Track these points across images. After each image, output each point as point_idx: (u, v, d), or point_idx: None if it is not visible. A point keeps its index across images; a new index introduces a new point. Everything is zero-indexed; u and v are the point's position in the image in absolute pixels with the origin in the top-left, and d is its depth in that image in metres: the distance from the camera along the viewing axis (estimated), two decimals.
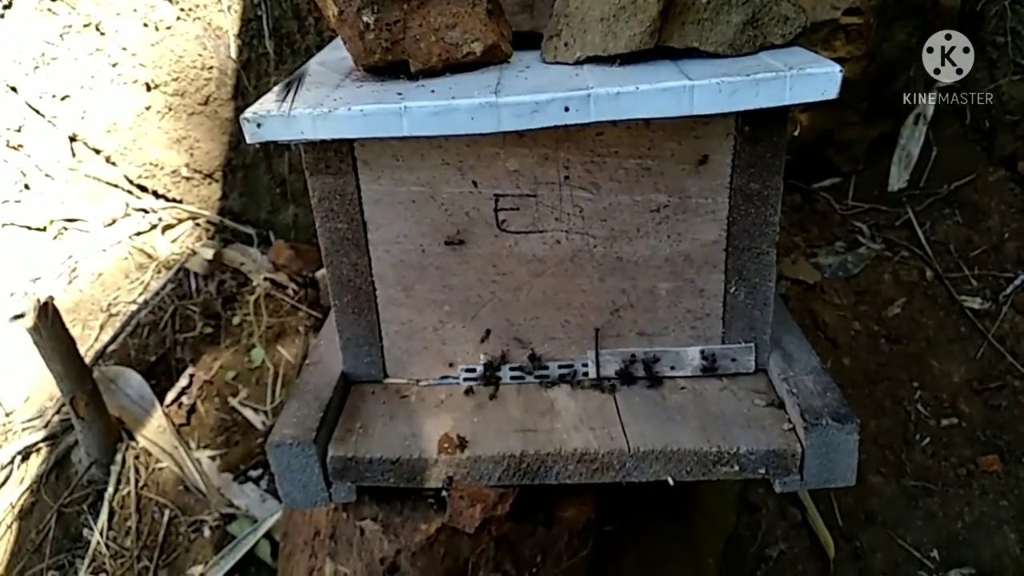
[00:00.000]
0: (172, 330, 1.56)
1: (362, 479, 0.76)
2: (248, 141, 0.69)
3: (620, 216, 0.76)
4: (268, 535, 1.29)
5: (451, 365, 0.84)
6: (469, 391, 0.84)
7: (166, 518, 1.35)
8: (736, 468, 0.74)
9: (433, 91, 0.70)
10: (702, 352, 0.82)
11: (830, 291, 1.58)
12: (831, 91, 0.65)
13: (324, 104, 0.68)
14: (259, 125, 0.69)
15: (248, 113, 0.69)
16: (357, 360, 0.84)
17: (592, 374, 0.84)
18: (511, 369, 0.84)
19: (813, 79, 0.65)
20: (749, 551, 1.25)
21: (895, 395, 1.42)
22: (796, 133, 0.72)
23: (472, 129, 0.68)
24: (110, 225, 1.73)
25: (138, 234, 1.72)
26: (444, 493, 0.76)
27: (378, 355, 0.84)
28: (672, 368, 0.83)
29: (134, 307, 1.58)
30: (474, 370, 0.84)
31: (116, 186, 1.73)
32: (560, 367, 0.84)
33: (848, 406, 0.74)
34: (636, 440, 0.75)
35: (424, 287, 0.80)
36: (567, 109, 0.67)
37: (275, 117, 0.68)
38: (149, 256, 1.67)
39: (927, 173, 1.71)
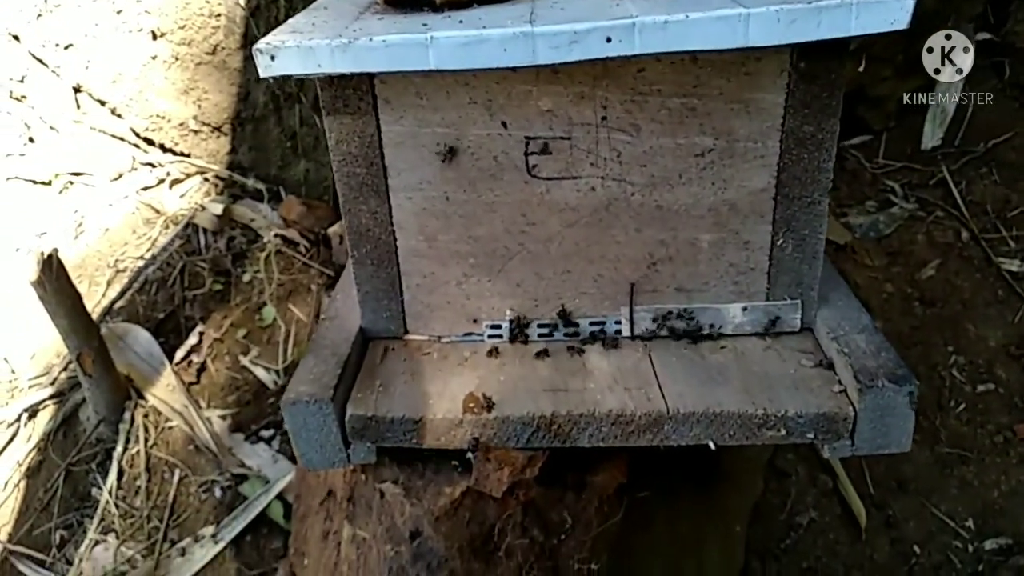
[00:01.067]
0: (181, 287, 1.51)
1: (383, 439, 0.72)
2: (261, 75, 0.64)
3: (661, 161, 0.71)
4: (281, 496, 1.26)
5: (475, 321, 0.80)
6: (494, 349, 0.79)
7: (176, 478, 1.31)
8: (783, 432, 0.70)
9: (461, 21, 0.64)
10: (744, 309, 0.77)
11: (861, 252, 1.52)
12: (902, 20, 0.59)
13: (344, 35, 0.63)
14: (273, 57, 0.63)
15: (261, 44, 0.63)
16: (376, 315, 0.80)
17: (626, 332, 0.79)
18: (539, 326, 0.79)
19: (881, 7, 0.59)
20: (778, 519, 1.21)
21: (929, 360, 1.37)
22: (861, 68, 0.66)
23: (504, 62, 0.62)
24: (116, 179, 1.68)
25: (145, 189, 1.67)
26: (470, 455, 0.72)
27: (398, 310, 0.79)
28: (712, 326, 0.78)
29: (142, 263, 1.53)
30: (500, 327, 0.79)
31: (122, 139, 1.68)
32: (591, 324, 0.79)
33: (905, 366, 0.69)
34: (675, 401, 0.70)
35: (448, 237, 0.75)
36: (609, 40, 0.61)
37: (290, 48, 0.63)
38: (157, 211, 1.62)
39: (963, 131, 1.64)
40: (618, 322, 0.78)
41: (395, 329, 0.81)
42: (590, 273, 0.76)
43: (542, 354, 0.77)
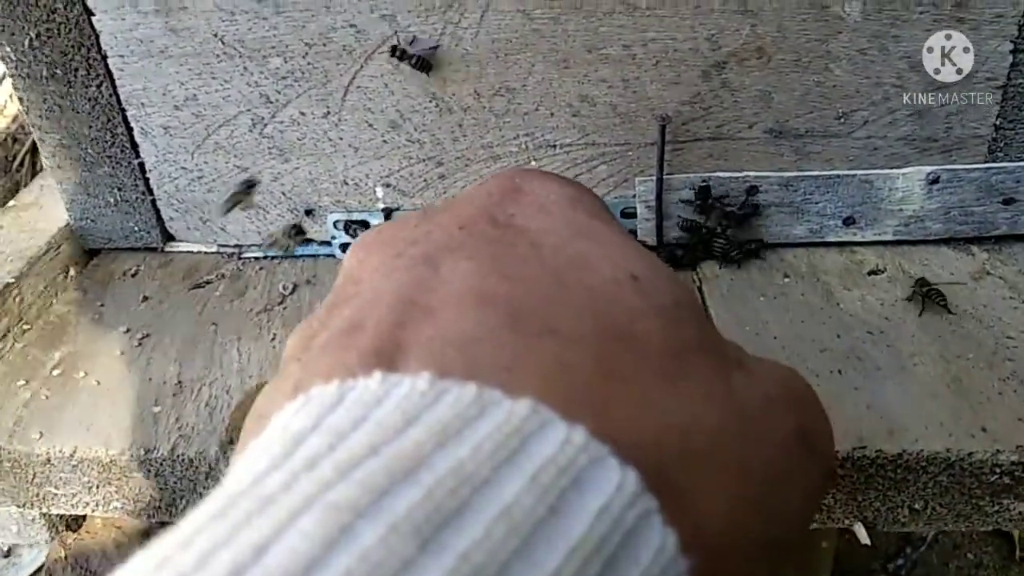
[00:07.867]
0: (31, 168, 1.09)
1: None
2: None
3: None
4: None
5: (309, 214, 0.36)
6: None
7: None
8: None
9: None
10: (933, 182, 0.33)
11: None
12: None
13: None
14: None
15: None
16: (93, 198, 0.36)
17: (645, 231, 0.35)
18: None
19: None
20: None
21: None
22: None
23: None
24: None
25: None
26: None
27: (133, 182, 0.36)
28: (850, 222, 0.34)
29: None
30: (360, 226, 0.35)
31: None
32: None
33: None
34: None
35: None
36: None
37: None
38: None
39: None
40: (629, 212, 0.34)
41: (140, 230, 0.37)
42: (561, 96, 0.32)
43: None
